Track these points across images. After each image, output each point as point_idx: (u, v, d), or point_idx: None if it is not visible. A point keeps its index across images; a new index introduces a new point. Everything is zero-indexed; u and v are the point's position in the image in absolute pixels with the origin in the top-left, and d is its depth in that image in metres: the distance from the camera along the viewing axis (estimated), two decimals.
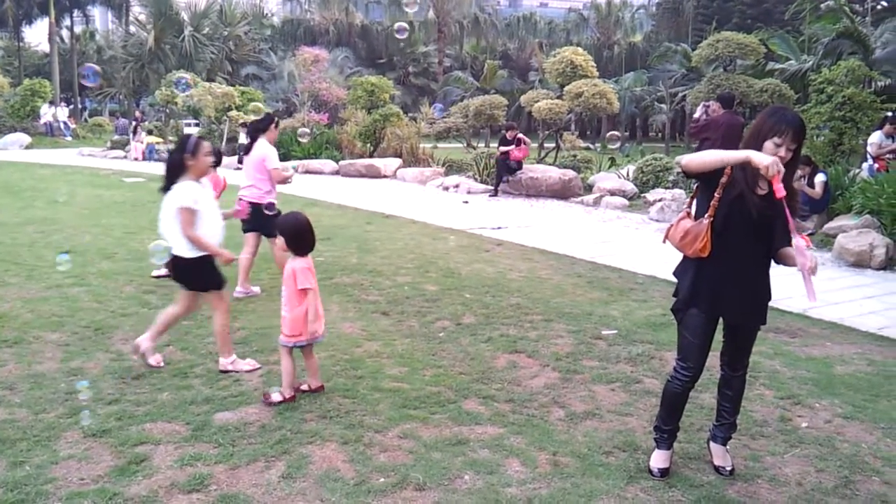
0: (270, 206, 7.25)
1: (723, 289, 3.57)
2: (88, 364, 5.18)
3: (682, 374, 3.70)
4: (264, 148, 7.32)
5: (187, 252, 4.89)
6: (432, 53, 52.99)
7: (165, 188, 4.93)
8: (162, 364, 5.14)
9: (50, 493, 3.46)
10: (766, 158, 3.22)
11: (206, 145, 5.05)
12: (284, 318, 4.62)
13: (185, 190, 4.86)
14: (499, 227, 11.67)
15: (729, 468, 3.82)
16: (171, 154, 5.15)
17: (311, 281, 4.58)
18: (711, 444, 3.93)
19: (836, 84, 13.52)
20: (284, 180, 7.48)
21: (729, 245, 3.49)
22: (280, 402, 4.51)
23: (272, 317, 6.29)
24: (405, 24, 16.82)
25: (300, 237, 4.68)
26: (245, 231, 7.35)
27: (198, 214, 4.87)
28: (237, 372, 5.03)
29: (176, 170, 4.94)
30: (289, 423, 4.27)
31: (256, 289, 7.34)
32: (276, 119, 7.72)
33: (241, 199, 7.08)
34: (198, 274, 4.99)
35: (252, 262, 7.37)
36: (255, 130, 7.51)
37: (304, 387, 4.71)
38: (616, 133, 19.73)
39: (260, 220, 7.08)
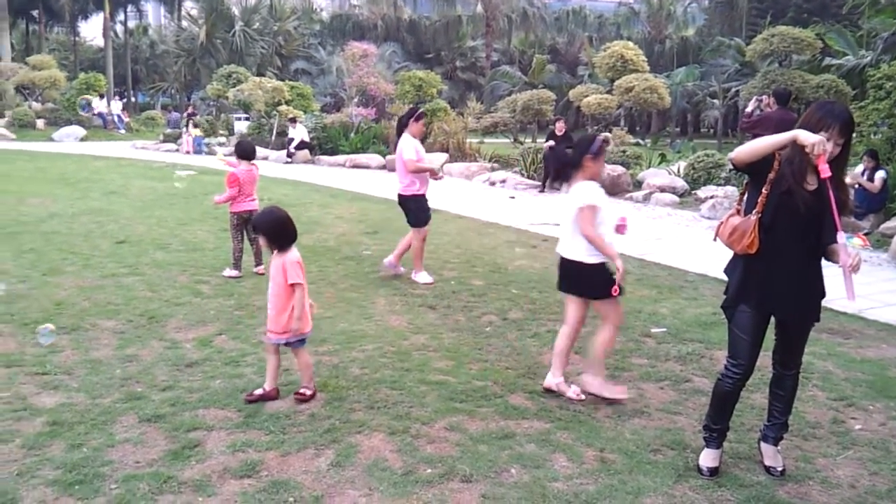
0: (417, 197, 7.58)
1: (771, 285, 3.54)
2: (143, 351, 5.31)
3: (732, 371, 3.66)
4: (403, 141, 7.50)
5: (588, 257, 4.62)
6: (480, 48, 52.80)
7: (555, 184, 4.67)
8: (581, 397, 4.66)
9: (106, 475, 3.56)
10: (812, 137, 3.22)
11: (607, 150, 4.72)
12: (271, 315, 4.50)
13: (589, 188, 4.63)
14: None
15: (780, 469, 3.77)
16: (572, 151, 4.85)
17: (301, 276, 4.45)
18: (762, 444, 3.89)
19: (895, 80, 13.14)
20: (420, 171, 7.54)
21: (777, 241, 3.47)
22: (257, 399, 4.46)
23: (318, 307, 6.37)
24: None
25: (280, 232, 4.51)
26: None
27: (599, 214, 4.62)
28: (562, 394, 4.68)
29: (571, 168, 4.73)
30: (337, 412, 4.33)
31: (427, 277, 7.63)
32: (420, 111, 7.89)
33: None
34: (597, 280, 4.64)
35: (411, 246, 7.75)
36: (400, 126, 7.68)
37: (299, 394, 4.51)
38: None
39: (410, 210, 7.64)
